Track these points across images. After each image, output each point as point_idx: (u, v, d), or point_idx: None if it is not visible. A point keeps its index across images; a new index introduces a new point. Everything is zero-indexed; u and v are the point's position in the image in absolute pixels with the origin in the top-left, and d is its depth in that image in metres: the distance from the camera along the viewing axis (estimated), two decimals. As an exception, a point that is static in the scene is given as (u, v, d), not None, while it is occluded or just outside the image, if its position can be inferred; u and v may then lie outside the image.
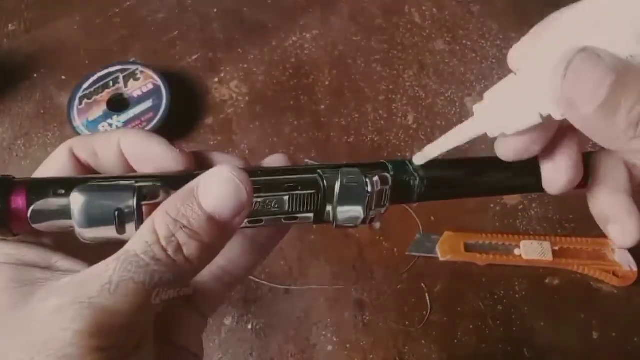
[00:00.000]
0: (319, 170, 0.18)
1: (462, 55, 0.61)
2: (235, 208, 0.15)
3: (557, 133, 0.17)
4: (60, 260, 0.16)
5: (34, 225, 0.16)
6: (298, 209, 0.18)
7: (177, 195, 0.16)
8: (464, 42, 0.62)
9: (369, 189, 0.18)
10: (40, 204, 0.15)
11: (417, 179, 0.19)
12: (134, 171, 0.19)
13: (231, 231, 0.16)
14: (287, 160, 0.20)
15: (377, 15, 0.65)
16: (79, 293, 0.14)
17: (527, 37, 0.17)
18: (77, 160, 0.18)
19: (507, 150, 0.17)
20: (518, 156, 0.17)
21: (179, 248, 0.15)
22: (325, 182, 0.18)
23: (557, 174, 0.18)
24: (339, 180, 0.17)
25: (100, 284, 0.14)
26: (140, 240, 0.15)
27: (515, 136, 0.17)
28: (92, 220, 0.15)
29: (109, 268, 0.15)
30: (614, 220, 0.18)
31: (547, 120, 0.15)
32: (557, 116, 0.15)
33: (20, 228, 0.16)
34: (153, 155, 0.18)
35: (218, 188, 0.15)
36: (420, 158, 0.19)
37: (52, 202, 0.15)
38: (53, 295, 0.14)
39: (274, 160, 0.20)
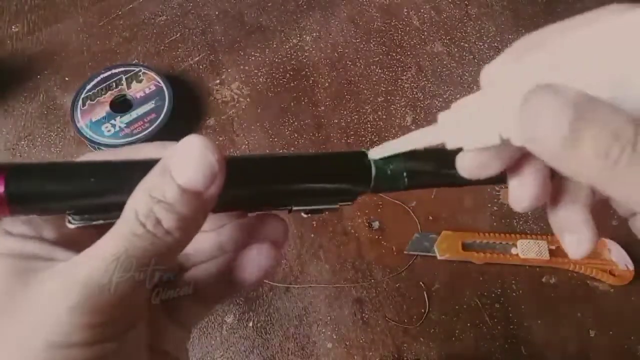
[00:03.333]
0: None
1: (459, 57, 0.62)
2: (207, 177, 0.16)
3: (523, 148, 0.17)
4: (61, 253, 0.17)
5: (12, 208, 0.16)
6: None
7: (152, 172, 0.16)
8: (462, 44, 0.63)
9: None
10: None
11: (389, 170, 0.20)
12: None
13: (209, 201, 0.16)
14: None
15: (376, 18, 0.66)
16: (73, 273, 0.15)
17: (502, 57, 0.16)
18: None
19: (463, 167, 0.17)
20: (474, 175, 0.17)
21: (158, 222, 0.15)
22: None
23: (523, 191, 0.17)
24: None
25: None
26: (123, 220, 0.15)
27: (472, 153, 0.16)
28: None
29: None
30: (570, 231, 0.18)
31: (507, 143, 0.15)
32: (517, 143, 0.15)
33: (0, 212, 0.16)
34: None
35: (188, 159, 0.16)
36: (377, 152, 0.19)
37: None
38: (49, 277, 0.15)
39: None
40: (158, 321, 0.20)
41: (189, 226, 0.16)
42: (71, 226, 0.17)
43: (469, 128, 0.16)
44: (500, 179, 0.18)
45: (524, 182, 0.17)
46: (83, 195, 0.16)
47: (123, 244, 0.15)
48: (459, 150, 0.17)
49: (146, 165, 0.16)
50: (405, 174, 0.20)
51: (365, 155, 0.20)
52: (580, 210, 0.18)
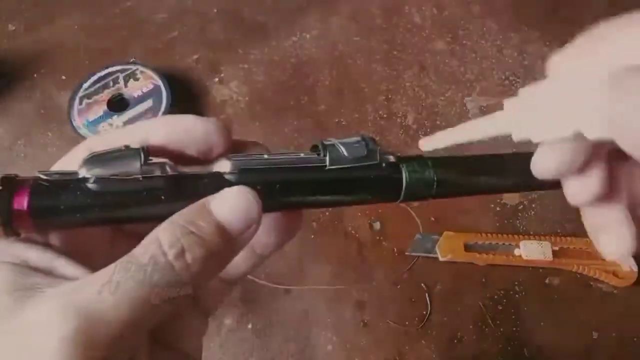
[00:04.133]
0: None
1: (462, 55, 0.61)
2: (246, 221, 0.16)
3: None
4: (63, 266, 0.16)
5: (36, 224, 0.16)
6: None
7: (187, 208, 0.16)
8: (464, 42, 0.62)
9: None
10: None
11: (430, 175, 0.19)
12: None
13: (238, 246, 0.16)
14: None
15: (377, 16, 0.65)
16: (70, 299, 0.14)
17: (571, 48, 0.16)
18: None
19: (547, 164, 0.16)
20: (558, 172, 0.16)
21: (181, 253, 0.15)
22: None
23: (583, 188, 0.16)
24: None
25: (100, 283, 0.14)
26: (143, 245, 0.15)
27: (555, 152, 0.15)
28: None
29: (109, 269, 0.14)
30: (606, 231, 0.17)
31: (579, 137, 0.14)
32: (591, 136, 0.14)
33: (23, 227, 0.16)
34: (194, 135, 0.18)
35: (232, 200, 0.16)
36: (428, 145, 0.18)
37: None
38: (45, 301, 0.14)
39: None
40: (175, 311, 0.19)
41: (212, 264, 0.16)
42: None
43: (539, 119, 0.15)
44: (553, 185, 0.17)
45: (585, 180, 0.16)
46: (112, 209, 0.16)
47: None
48: (494, 156, 0.17)
49: (183, 182, 0.16)
50: (435, 184, 0.19)
51: (398, 167, 0.19)
52: (623, 209, 0.17)
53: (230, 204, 0.16)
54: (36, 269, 0.15)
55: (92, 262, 0.16)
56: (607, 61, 0.14)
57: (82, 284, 0.15)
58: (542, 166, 0.16)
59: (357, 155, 0.18)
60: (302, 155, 0.18)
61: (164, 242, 0.15)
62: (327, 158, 0.18)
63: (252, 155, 0.17)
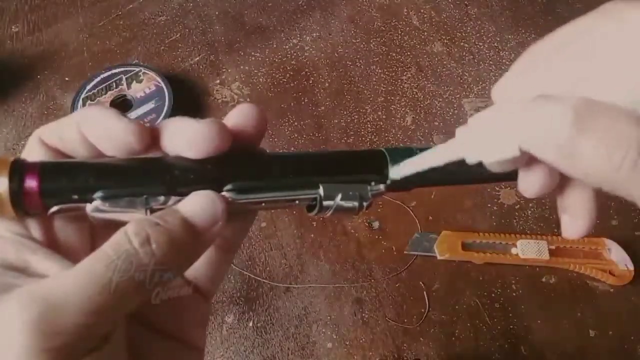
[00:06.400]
0: (320, 187, 0.19)
1: (459, 57, 0.62)
2: (209, 219, 0.16)
3: None
4: (40, 261, 0.16)
5: (46, 203, 0.16)
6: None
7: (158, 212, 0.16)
8: (462, 44, 0.63)
9: (365, 204, 0.19)
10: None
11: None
12: (99, 150, 0.18)
13: (203, 242, 0.17)
14: (254, 112, 0.19)
15: (376, 18, 0.66)
16: (32, 291, 0.14)
17: (510, 73, 0.17)
18: (48, 147, 0.18)
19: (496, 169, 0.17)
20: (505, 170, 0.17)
21: (146, 241, 0.15)
22: (322, 196, 0.19)
23: (533, 178, 0.17)
24: (336, 199, 0.19)
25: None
26: (110, 240, 0.15)
27: (495, 163, 0.17)
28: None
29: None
30: (571, 212, 0.18)
31: (525, 152, 0.16)
32: (541, 157, 0.15)
33: (33, 207, 0.16)
34: (113, 132, 0.17)
35: (196, 199, 0.17)
36: (396, 173, 0.20)
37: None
38: (9, 297, 0.14)
39: (240, 113, 0.19)
40: (177, 299, 0.19)
41: (178, 255, 0.16)
42: (95, 214, 0.16)
43: (487, 143, 0.17)
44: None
45: (535, 170, 0.17)
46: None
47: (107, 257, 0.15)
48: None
49: (171, 162, 0.17)
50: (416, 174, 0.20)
51: (383, 153, 0.20)
52: (587, 195, 0.18)
53: (195, 203, 0.16)
54: (11, 267, 0.15)
55: (73, 254, 0.16)
56: (542, 86, 0.15)
57: (49, 279, 0.15)
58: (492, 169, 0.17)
59: (346, 207, 0.19)
60: (296, 202, 0.19)
61: (130, 232, 0.15)
62: (318, 207, 0.19)
63: (255, 196, 0.18)
